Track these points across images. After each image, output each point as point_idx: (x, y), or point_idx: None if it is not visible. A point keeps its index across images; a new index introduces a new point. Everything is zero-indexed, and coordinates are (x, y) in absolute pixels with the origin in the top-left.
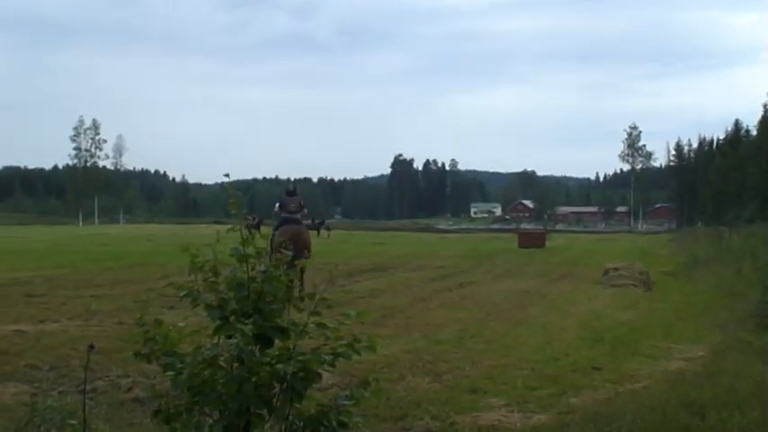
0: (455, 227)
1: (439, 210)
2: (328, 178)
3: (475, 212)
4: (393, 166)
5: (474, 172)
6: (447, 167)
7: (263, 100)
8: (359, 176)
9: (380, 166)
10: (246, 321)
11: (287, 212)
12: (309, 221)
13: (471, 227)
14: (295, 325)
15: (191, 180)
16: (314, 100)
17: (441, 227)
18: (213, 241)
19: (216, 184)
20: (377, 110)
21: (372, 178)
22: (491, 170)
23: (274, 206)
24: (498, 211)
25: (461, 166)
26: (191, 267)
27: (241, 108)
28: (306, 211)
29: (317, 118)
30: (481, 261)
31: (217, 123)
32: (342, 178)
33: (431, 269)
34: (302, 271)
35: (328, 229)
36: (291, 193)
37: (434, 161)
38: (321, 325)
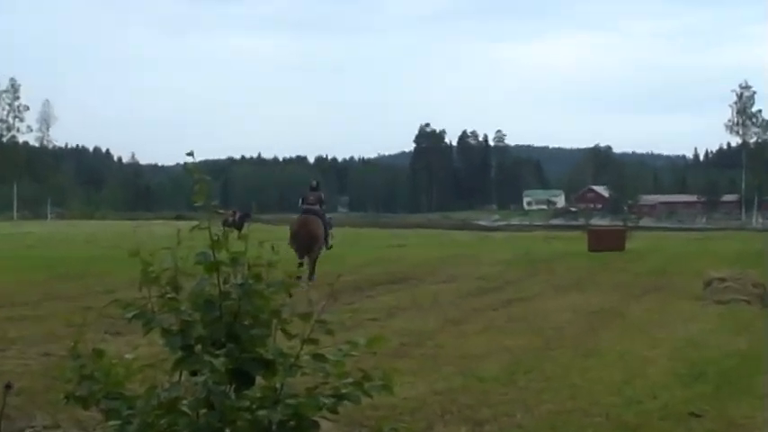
0: (502, 222)
1: (480, 200)
2: (329, 157)
3: (529, 203)
4: (418, 140)
5: (528, 148)
6: (491, 142)
7: (242, 52)
8: (371, 155)
9: (401, 141)
10: (218, 352)
11: (306, 204)
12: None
13: (524, 223)
14: (284, 356)
15: (143, 161)
16: (311, 53)
17: (482, 223)
18: (173, 243)
19: (177, 165)
20: (396, 65)
21: (389, 157)
22: (551, 146)
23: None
24: (561, 202)
25: (510, 141)
26: (142, 279)
27: (213, 64)
28: (324, 207)
29: (315, 77)
30: (537, 269)
31: (179, 85)
32: (348, 157)
33: (468, 280)
34: (313, 263)
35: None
36: (314, 189)
37: (473, 134)
38: (319, 356)
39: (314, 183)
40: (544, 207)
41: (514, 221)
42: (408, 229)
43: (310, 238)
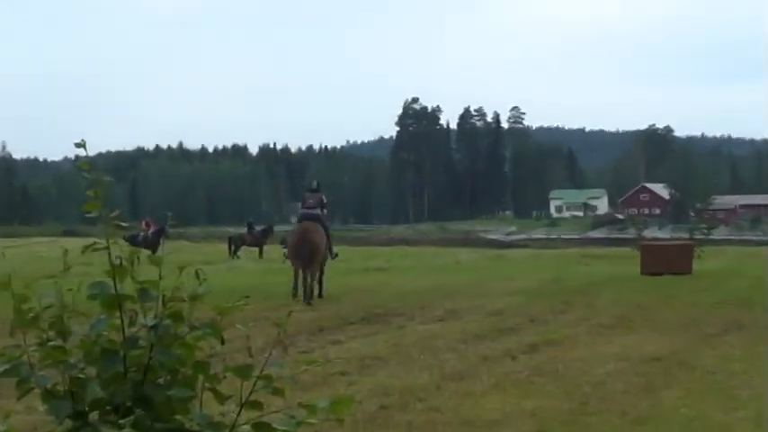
0: (520, 236)
1: (489, 205)
2: (279, 147)
3: (558, 209)
4: (402, 122)
5: (556, 132)
6: (503, 124)
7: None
8: (337, 143)
9: (378, 124)
10: (121, 421)
11: (305, 207)
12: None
13: (551, 236)
14: (214, 427)
15: (18, 155)
16: (254, 3)
17: (493, 237)
18: (59, 270)
19: (65, 161)
20: (369, 21)
21: (363, 146)
22: (588, 128)
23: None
24: (602, 206)
25: (531, 121)
26: (15, 320)
27: (118, 21)
28: (325, 211)
29: (260, 37)
30: (570, 301)
31: (66, 49)
32: (305, 147)
33: (475, 317)
34: (320, 283)
35: (283, 243)
36: (313, 191)
37: (479, 112)
38: (263, 426)
39: (314, 183)
40: (579, 214)
41: (538, 234)
42: (391, 246)
43: (308, 244)
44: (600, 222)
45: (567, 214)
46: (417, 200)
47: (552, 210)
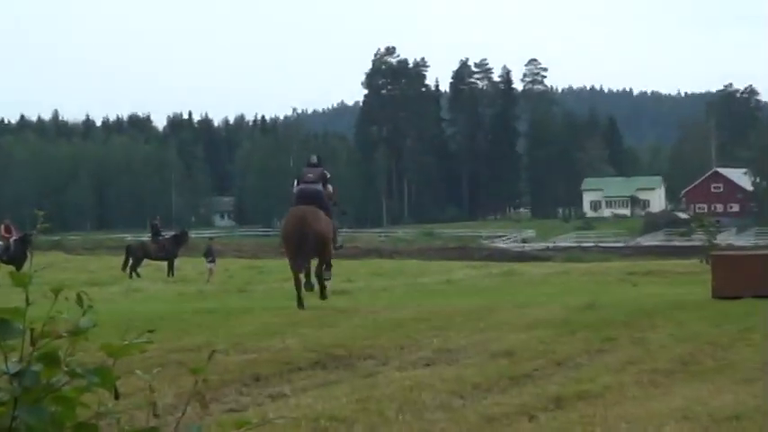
0: (541, 245)
1: (495, 199)
2: (197, 118)
3: (595, 204)
4: (373, 81)
5: (591, 95)
6: (516, 84)
7: None
8: (280, 112)
9: (340, 86)
10: None
11: (303, 183)
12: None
13: (585, 244)
14: None
15: None
16: None
17: (503, 245)
18: None
19: None
20: None
21: (317, 117)
22: (637, 90)
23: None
24: (658, 201)
25: (555, 81)
26: None
27: None
28: (330, 188)
29: None
30: (613, 336)
31: None
32: (234, 118)
33: (478, 358)
34: (321, 283)
35: (208, 256)
36: (314, 165)
37: (482, 67)
38: None
39: (313, 158)
40: (625, 212)
41: (565, 242)
42: (356, 258)
43: (312, 237)
44: (654, 224)
45: (606, 213)
46: (394, 192)
47: (586, 206)
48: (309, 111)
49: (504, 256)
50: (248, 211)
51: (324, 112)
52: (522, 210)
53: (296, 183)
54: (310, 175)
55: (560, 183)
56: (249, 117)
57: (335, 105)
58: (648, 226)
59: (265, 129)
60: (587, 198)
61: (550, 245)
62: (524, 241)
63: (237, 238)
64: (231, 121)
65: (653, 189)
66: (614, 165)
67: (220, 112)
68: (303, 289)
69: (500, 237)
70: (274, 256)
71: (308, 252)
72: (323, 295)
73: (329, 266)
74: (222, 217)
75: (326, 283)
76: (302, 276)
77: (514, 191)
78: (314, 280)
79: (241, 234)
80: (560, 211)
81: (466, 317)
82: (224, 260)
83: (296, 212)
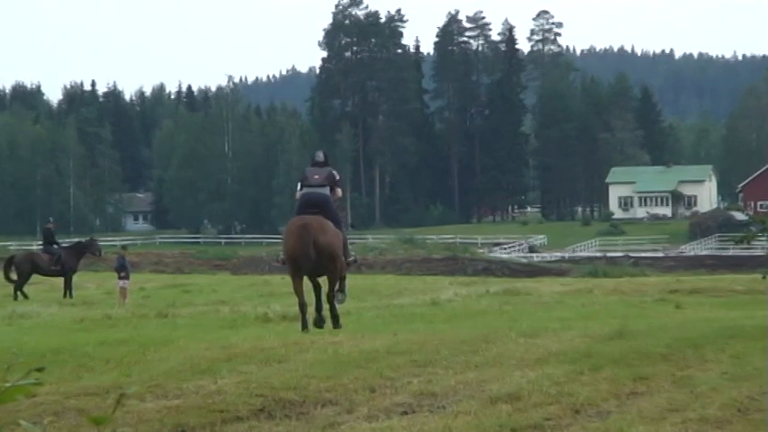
0: (552, 255)
1: (496, 194)
2: (100, 90)
3: (625, 201)
4: (332, 40)
5: (618, 58)
6: (522, 43)
7: None
8: (210, 82)
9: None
10: None
11: (308, 185)
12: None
13: (613, 254)
14: None
15: None
16: None
17: (503, 255)
18: None
19: None
20: None
21: (260, 88)
22: (679, 52)
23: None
24: (707, 195)
25: (572, 40)
26: None
27: None
28: (340, 192)
29: None
30: (649, 375)
31: None
32: (150, 89)
33: (472, 404)
34: (333, 310)
35: (119, 271)
36: (320, 164)
37: (476, 22)
38: None
39: (320, 155)
40: (665, 213)
41: (587, 251)
42: None
43: (318, 253)
44: (703, 228)
45: (640, 213)
46: (362, 186)
47: (613, 205)
48: (250, 79)
49: (505, 269)
50: (170, 212)
51: (269, 81)
52: (529, 209)
53: (299, 186)
54: (316, 177)
55: (580, 173)
56: (171, 88)
57: (285, 73)
58: (695, 230)
59: (192, 103)
60: (615, 193)
61: (567, 255)
62: (532, 250)
63: (157, 248)
64: (147, 92)
65: (701, 182)
66: (650, 149)
67: (133, 81)
68: (309, 318)
69: (500, 245)
70: (205, 270)
71: (311, 266)
72: (336, 324)
73: (342, 286)
74: (136, 219)
75: (339, 302)
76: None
77: (519, 184)
78: (325, 312)
79: (162, 241)
80: (579, 210)
81: (456, 350)
82: (139, 276)
83: (298, 223)
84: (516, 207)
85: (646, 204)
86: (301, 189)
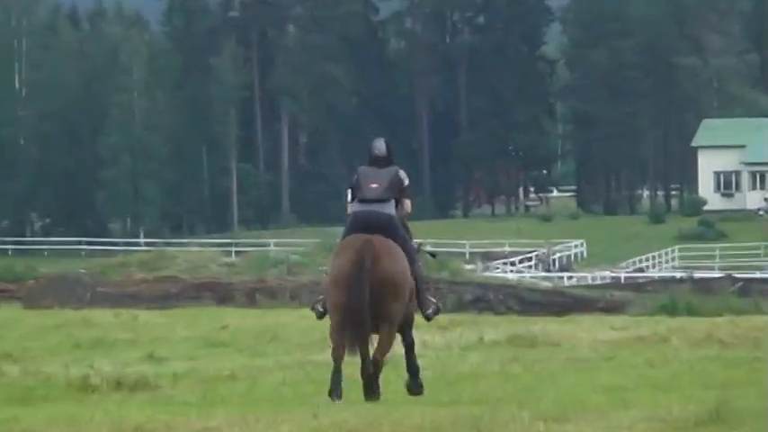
0: (599, 272)
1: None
2: None
3: (722, 178)
4: None
5: None
6: None
7: None
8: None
9: None
10: None
11: (364, 200)
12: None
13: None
14: None
15: None
16: None
17: (509, 274)
18: None
19: None
20: None
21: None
22: None
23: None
24: None
25: None
26: None
27: None
28: (409, 206)
29: None
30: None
31: None
32: None
33: None
34: (411, 359)
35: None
36: (380, 162)
37: None
38: None
39: (380, 146)
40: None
41: (658, 270)
42: (167, 307)
43: (378, 290)
44: None
45: (752, 199)
46: (258, 154)
47: (706, 185)
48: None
49: (512, 300)
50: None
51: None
52: (555, 193)
53: (350, 195)
54: (374, 186)
55: (645, 131)
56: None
57: None
58: None
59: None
60: (707, 165)
61: (622, 275)
62: (561, 267)
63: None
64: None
65: None
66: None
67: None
68: (342, 369)
69: (504, 256)
70: None
71: (362, 305)
72: (414, 387)
73: (411, 345)
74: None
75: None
76: (352, 342)
77: (538, 149)
78: (370, 369)
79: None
80: (645, 196)
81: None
82: None
83: (354, 243)
84: (533, 189)
85: (762, 185)
86: (352, 201)
